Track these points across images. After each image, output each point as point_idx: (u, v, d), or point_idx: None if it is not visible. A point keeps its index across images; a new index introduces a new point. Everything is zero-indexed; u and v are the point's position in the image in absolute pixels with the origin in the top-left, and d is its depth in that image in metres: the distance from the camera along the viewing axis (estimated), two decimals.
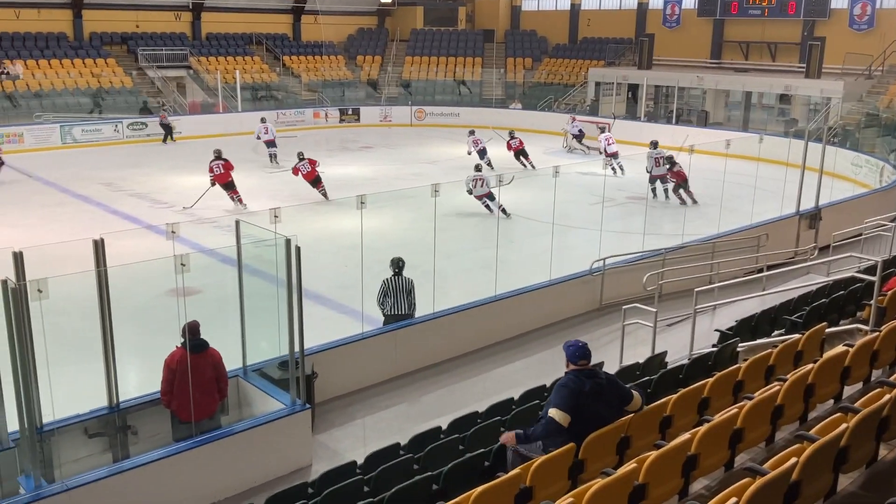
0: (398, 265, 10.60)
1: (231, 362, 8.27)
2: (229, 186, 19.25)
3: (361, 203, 10.16)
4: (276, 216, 8.52)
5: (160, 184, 22.12)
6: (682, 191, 19.49)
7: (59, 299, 6.68)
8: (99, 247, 7.30)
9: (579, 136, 28.57)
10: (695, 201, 19.46)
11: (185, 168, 24.55)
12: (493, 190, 17.99)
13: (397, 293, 10.59)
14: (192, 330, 7.65)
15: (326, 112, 34.41)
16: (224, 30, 37.30)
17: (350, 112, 34.92)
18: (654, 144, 20.28)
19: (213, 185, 19.10)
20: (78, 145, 26.50)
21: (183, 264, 7.01)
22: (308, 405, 8.23)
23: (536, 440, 5.77)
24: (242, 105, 33.06)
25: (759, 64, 33.14)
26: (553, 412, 5.54)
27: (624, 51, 37.04)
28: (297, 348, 8.07)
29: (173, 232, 8.08)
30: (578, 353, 5.70)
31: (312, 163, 20.41)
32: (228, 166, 19.33)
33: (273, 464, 7.92)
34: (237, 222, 8.38)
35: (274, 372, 8.66)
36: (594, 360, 8.81)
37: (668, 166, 19.58)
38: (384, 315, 10.74)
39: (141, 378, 9.64)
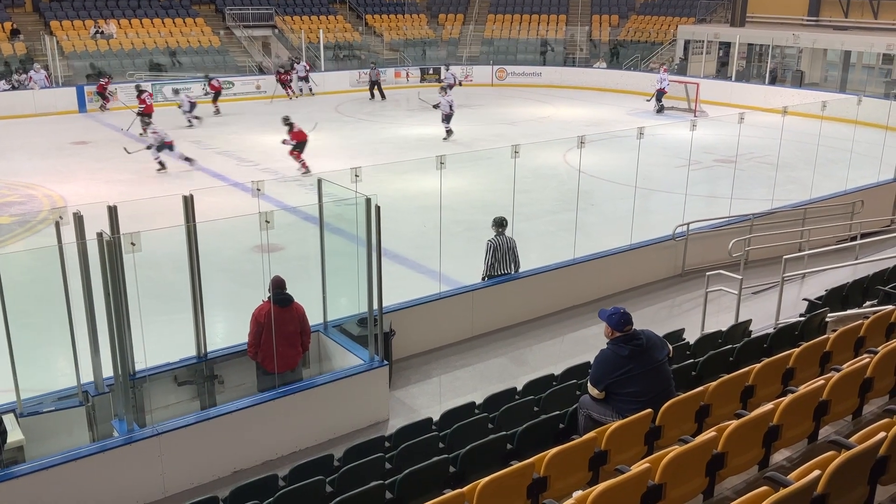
0: (502, 224, 10.49)
1: (312, 318, 8.47)
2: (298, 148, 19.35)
3: (441, 164, 10.16)
4: (356, 175, 8.60)
5: (245, 143, 22.64)
6: None
7: (151, 252, 6.94)
8: (188, 203, 7.54)
9: (659, 94, 27.73)
10: None
11: (269, 127, 25.00)
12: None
13: (505, 253, 10.59)
14: (278, 284, 7.85)
15: (408, 72, 34.38)
16: None
17: (431, 72, 34.80)
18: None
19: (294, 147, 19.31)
20: (168, 104, 27.28)
21: (267, 221, 7.16)
22: (386, 362, 8.38)
23: (583, 408, 5.94)
24: (325, 65, 33.35)
25: (859, 21, 31.37)
26: (589, 386, 5.88)
27: (716, 7, 35.59)
28: (375, 306, 8.20)
29: (258, 189, 8.27)
30: (623, 321, 5.76)
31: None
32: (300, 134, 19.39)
33: (352, 417, 8.12)
34: (319, 181, 8.50)
35: (353, 328, 8.84)
36: (675, 327, 8.75)
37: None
38: (489, 276, 10.64)
39: (228, 329, 10.00)
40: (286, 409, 7.71)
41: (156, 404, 7.70)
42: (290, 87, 30.38)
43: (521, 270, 10.87)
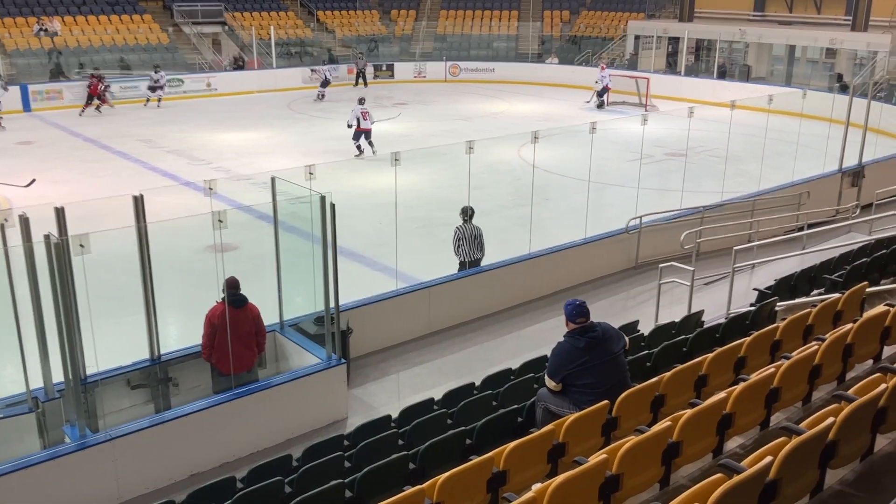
0: (468, 213, 10.83)
1: (268, 317, 8.39)
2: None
3: (396, 160, 10.14)
4: (310, 173, 8.54)
5: (197, 140, 22.30)
6: None
7: (101, 254, 6.80)
8: (139, 203, 7.40)
9: (602, 92, 27.99)
10: None
11: (221, 125, 24.70)
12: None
13: (471, 239, 10.80)
14: (232, 285, 7.76)
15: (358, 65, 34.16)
16: None
17: (384, 68, 34.67)
18: None
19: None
20: (116, 102, 26.75)
21: (220, 221, 7.07)
22: (343, 360, 8.34)
23: (541, 401, 5.99)
24: (277, 61, 33.00)
25: (803, 16, 32.11)
26: (546, 379, 5.92)
27: (665, 3, 36.11)
28: (332, 304, 8.16)
29: (211, 189, 8.16)
30: (576, 312, 5.82)
31: None
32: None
33: (310, 416, 8.07)
34: (273, 179, 8.42)
35: (310, 327, 8.78)
36: (630, 319, 8.87)
37: None
38: (459, 262, 10.94)
39: (181, 331, 9.85)
40: (243, 410, 7.63)
41: (108, 409, 7.55)
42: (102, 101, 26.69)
43: (482, 262, 11.02)
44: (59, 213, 6.75)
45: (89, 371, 7.34)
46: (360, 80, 32.77)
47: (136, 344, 7.95)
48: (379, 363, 9.61)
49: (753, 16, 33.42)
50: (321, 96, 29.72)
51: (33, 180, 10.28)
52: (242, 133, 23.52)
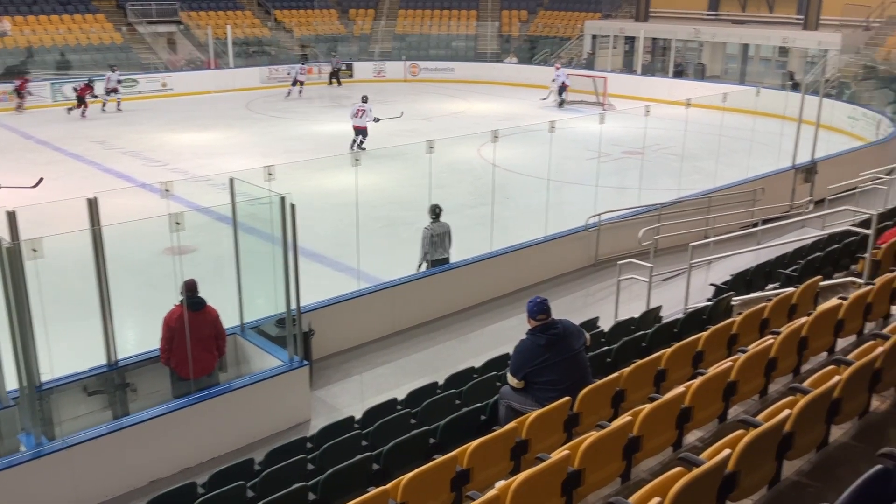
0: (434, 211, 10.77)
1: (228, 320, 8.30)
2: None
3: (356, 160, 10.11)
4: (270, 174, 8.47)
5: (153, 142, 21.95)
6: None
7: (55, 258, 6.67)
8: (93, 206, 7.26)
9: (561, 90, 28.26)
10: None
11: (178, 126, 24.36)
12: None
13: (440, 238, 10.76)
14: (189, 288, 7.66)
15: (319, 67, 33.97)
16: None
17: (343, 67, 34.51)
18: None
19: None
20: (69, 103, 26.19)
21: (178, 223, 6.98)
22: (306, 362, 8.29)
23: (504, 398, 6.03)
24: (234, 61, 32.65)
25: (756, 16, 32.74)
26: (508, 377, 5.96)
27: (621, 2, 36.53)
28: (293, 306, 8.10)
29: (167, 190, 8.04)
30: (537, 309, 5.88)
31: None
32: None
33: (272, 419, 8.00)
34: (231, 180, 8.33)
35: (271, 329, 8.71)
36: (590, 316, 8.96)
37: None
38: (428, 262, 10.84)
39: (139, 336, 9.68)
40: (203, 414, 7.53)
41: (65, 416, 7.40)
42: (85, 105, 25.62)
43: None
44: (11, 217, 6.58)
45: (44, 378, 7.19)
46: (335, 80, 32.94)
47: (92, 349, 7.80)
48: (342, 364, 9.56)
49: (708, 15, 33.96)
50: (294, 93, 29.87)
51: (41, 179, 10.03)
52: (200, 134, 23.24)
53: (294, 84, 30.26)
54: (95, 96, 25.78)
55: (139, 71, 30.26)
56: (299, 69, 30.70)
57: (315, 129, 24.24)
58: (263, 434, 7.85)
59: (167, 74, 30.26)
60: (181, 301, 7.64)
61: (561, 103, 28.17)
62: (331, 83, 32.87)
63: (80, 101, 25.23)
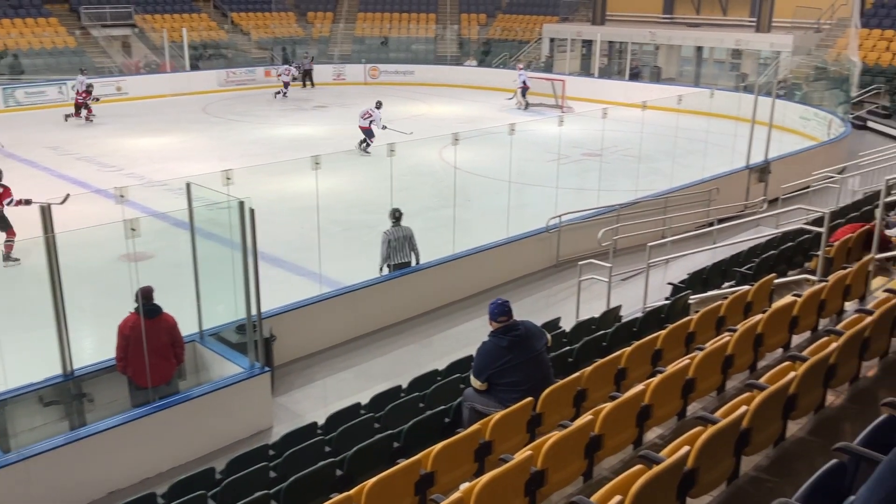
0: (394, 215, 10.67)
1: (187, 327, 8.19)
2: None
3: (316, 164, 10.05)
4: (228, 178, 8.38)
5: (108, 147, 21.56)
6: None
7: (8, 266, 6.52)
8: (46, 213, 7.12)
9: (524, 91, 28.45)
10: None
11: (133, 130, 23.97)
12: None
13: (399, 242, 10.65)
14: (144, 295, 7.54)
15: (278, 70, 33.69)
16: None
17: (313, 68, 34.24)
18: None
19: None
20: (21, 108, 25.61)
21: (133, 229, 6.87)
22: (267, 368, 8.21)
23: (467, 400, 6.04)
24: (190, 64, 32.24)
25: (710, 18, 33.28)
26: (472, 379, 5.97)
27: (578, 6, 36.86)
28: (254, 311, 8.02)
29: (122, 196, 7.92)
30: (498, 311, 5.91)
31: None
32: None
33: (233, 427, 7.91)
34: (188, 185, 8.22)
35: (231, 336, 8.61)
36: (552, 316, 9.02)
37: None
38: (389, 267, 10.77)
39: (96, 344, 9.50)
40: (162, 424, 7.42)
41: (20, 427, 7.24)
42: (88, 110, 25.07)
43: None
44: None
45: None
46: (308, 81, 33.01)
47: (47, 359, 7.64)
48: (304, 370, 9.49)
49: (663, 18, 34.44)
50: (283, 94, 30.13)
51: (67, 196, 9.97)
52: (156, 138, 22.90)
53: (286, 85, 30.41)
54: (97, 99, 25.06)
55: (93, 75, 29.69)
56: (284, 70, 30.84)
57: (274, 132, 24.04)
58: (224, 442, 7.76)
59: (122, 78, 29.78)
60: (136, 308, 7.52)
61: (526, 105, 28.33)
62: (304, 85, 32.84)
63: (84, 107, 24.43)
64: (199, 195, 8.18)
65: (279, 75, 30.96)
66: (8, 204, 11.95)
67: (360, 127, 20.68)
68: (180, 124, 24.93)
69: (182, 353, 7.95)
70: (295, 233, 13.73)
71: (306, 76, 33.17)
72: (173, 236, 10.57)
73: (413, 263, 10.93)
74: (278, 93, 30.23)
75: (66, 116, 24.59)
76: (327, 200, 12.39)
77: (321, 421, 6.85)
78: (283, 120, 26.36)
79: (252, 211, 7.64)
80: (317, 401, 8.84)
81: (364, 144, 20.57)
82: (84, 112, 24.62)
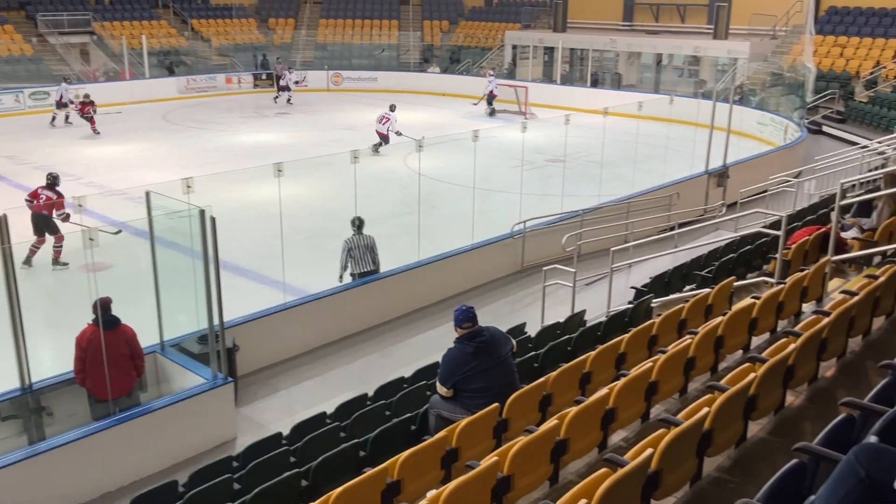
0: (355, 223, 10.66)
1: (147, 338, 8.07)
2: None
3: (279, 171, 9.97)
4: (188, 186, 8.29)
5: (66, 155, 21.18)
6: None
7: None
8: (2, 223, 6.97)
9: (490, 98, 28.59)
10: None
11: (93, 139, 23.58)
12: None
13: (361, 251, 10.59)
14: (103, 306, 7.42)
15: (239, 77, 33.46)
16: None
17: (264, 77, 34.06)
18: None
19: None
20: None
21: (91, 238, 6.75)
22: (230, 378, 8.12)
23: (434, 407, 6.05)
24: (150, 71, 31.84)
25: (668, 26, 33.78)
26: (438, 385, 5.96)
27: (539, 13, 37.17)
28: (216, 321, 7.93)
29: (80, 205, 7.79)
30: (463, 317, 5.92)
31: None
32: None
33: (196, 439, 7.80)
34: (147, 194, 8.11)
35: (193, 346, 8.50)
36: (517, 321, 9.05)
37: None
38: (351, 276, 10.72)
39: (55, 357, 9.31)
40: (123, 437, 7.29)
41: None
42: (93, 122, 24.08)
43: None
44: None
45: None
46: (278, 87, 32.87)
47: (4, 372, 7.47)
48: (268, 379, 9.40)
49: (623, 26, 34.86)
50: (287, 100, 30.22)
51: (119, 231, 10.02)
52: (115, 146, 22.55)
53: (287, 90, 30.35)
54: (96, 112, 23.88)
55: (50, 83, 29.19)
56: (284, 73, 30.91)
57: (235, 139, 23.83)
58: (187, 455, 7.65)
59: (80, 86, 29.26)
60: (94, 320, 7.40)
61: (492, 112, 28.44)
62: (278, 91, 32.58)
63: (88, 120, 23.61)
64: (158, 204, 8.07)
65: (280, 79, 30.92)
66: (59, 216, 12.11)
67: (378, 132, 21.04)
68: (140, 132, 24.59)
69: (142, 364, 7.83)
70: (258, 241, 13.61)
71: (278, 81, 33.00)
72: (133, 246, 10.42)
73: (375, 272, 10.91)
74: (286, 99, 30.29)
75: (96, 132, 23.60)
76: (290, 208, 12.30)
77: (286, 431, 6.78)
78: (244, 127, 26.15)
79: (213, 219, 7.56)
80: (281, 411, 8.76)
81: (377, 146, 20.99)
82: (90, 125, 23.62)
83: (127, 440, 7.33)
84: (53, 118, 25.15)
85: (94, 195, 15.46)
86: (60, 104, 25.10)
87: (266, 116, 28.31)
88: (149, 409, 7.58)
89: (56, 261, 12.04)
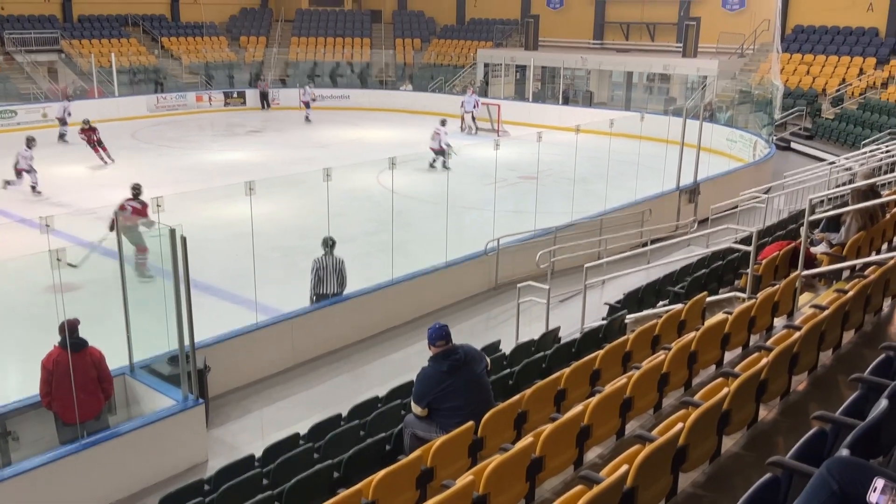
0: (327, 244, 10.61)
1: (117, 360, 7.93)
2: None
3: (250, 189, 9.90)
4: (158, 205, 8.19)
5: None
6: None
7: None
8: None
9: (471, 114, 28.71)
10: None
11: (60, 157, 23.28)
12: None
13: (328, 272, 10.55)
14: (69, 328, 7.28)
15: (210, 95, 33.29)
16: (97, 11, 35.44)
17: (235, 95, 33.92)
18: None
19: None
20: None
21: (59, 259, 6.64)
22: (201, 400, 8.00)
23: (408, 427, 6.00)
24: (119, 89, 31.58)
25: (639, 44, 34.22)
26: (412, 405, 5.91)
27: (511, 32, 37.47)
28: (186, 342, 7.81)
29: (48, 225, 7.65)
30: (437, 335, 5.90)
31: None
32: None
33: (166, 462, 7.67)
34: (116, 213, 8.01)
35: (163, 368, 8.37)
36: (492, 339, 9.03)
37: None
38: (315, 295, 10.65)
39: (21, 380, 9.12)
40: (92, 461, 7.15)
41: None
42: (102, 150, 22.82)
43: (344, 292, 10.86)
44: None
45: None
46: (264, 102, 33.81)
47: None
48: (240, 401, 9.28)
49: (593, 44, 35.25)
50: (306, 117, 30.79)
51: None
52: (83, 165, 22.28)
53: (307, 106, 31.01)
54: (100, 141, 22.71)
55: (17, 101, 28.84)
56: (303, 91, 31.48)
57: (206, 158, 23.66)
58: (158, 478, 7.52)
59: (47, 104, 28.94)
60: (60, 342, 7.26)
61: (468, 129, 28.49)
62: (263, 107, 33.45)
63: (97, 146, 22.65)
64: (128, 223, 7.96)
65: (303, 96, 31.39)
66: (144, 224, 11.99)
67: (432, 148, 21.41)
68: (110, 151, 24.31)
69: (110, 387, 7.69)
70: (229, 260, 13.49)
71: (263, 98, 33.67)
72: (101, 266, 10.26)
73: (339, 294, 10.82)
74: (305, 116, 30.88)
75: (105, 160, 22.59)
76: (263, 226, 12.19)
77: (258, 453, 6.69)
78: (215, 146, 25.99)
79: (184, 238, 7.47)
80: (254, 432, 8.64)
81: (435, 160, 21.51)
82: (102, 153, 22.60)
83: (95, 464, 7.19)
84: (62, 135, 25.30)
85: (62, 214, 15.23)
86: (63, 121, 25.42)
87: (237, 135, 28.17)
88: (117, 432, 7.44)
89: (142, 273, 11.82)
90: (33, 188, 18.94)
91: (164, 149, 25.11)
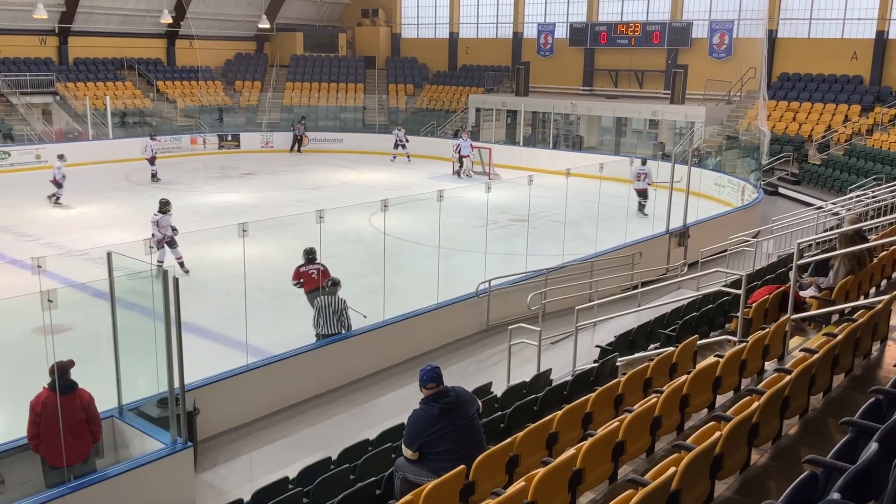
0: (328, 284, 10.75)
1: (106, 402, 7.86)
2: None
3: (244, 231, 9.93)
4: (151, 247, 8.20)
5: (25, 216, 20.89)
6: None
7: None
8: None
9: (461, 158, 28.92)
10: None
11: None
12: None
13: (332, 312, 10.60)
14: (60, 370, 7.23)
15: (204, 138, 33.50)
16: (93, 54, 35.77)
17: (230, 138, 34.15)
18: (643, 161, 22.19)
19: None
20: None
21: (50, 300, 6.62)
22: (190, 443, 7.91)
23: (399, 470, 5.95)
24: (114, 132, 31.75)
25: (627, 91, 34.74)
26: (403, 448, 5.88)
27: (502, 78, 38.01)
28: (176, 384, 7.76)
29: (39, 266, 7.64)
30: (428, 377, 5.89)
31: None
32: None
33: None
34: (109, 254, 8.01)
35: (152, 410, 8.29)
36: (483, 381, 9.01)
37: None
38: (316, 335, 10.73)
39: (8, 422, 9.03)
40: None
41: None
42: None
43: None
44: None
45: None
46: (296, 146, 34.58)
47: None
48: (230, 444, 9.19)
49: (583, 90, 35.77)
50: (393, 158, 32.01)
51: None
52: (76, 207, 22.31)
53: (300, 140, 32.92)
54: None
55: (10, 143, 28.95)
56: (401, 134, 32.44)
57: (200, 200, 23.73)
58: None
59: (41, 146, 29.06)
60: (49, 384, 7.20)
61: (458, 173, 28.63)
62: (292, 149, 34.27)
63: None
64: (120, 264, 7.97)
65: (399, 138, 32.30)
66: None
67: (636, 189, 21.39)
68: (102, 192, 24.40)
69: (99, 430, 7.60)
70: (221, 301, 13.46)
71: (296, 140, 34.33)
72: (92, 307, 10.23)
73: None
74: (393, 157, 32.00)
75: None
76: (255, 268, 12.21)
77: (247, 497, 6.61)
78: (209, 188, 26.09)
79: (176, 280, 7.47)
80: (243, 476, 8.54)
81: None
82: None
83: None
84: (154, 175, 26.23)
85: (54, 256, 15.21)
86: (151, 161, 26.38)
87: (231, 177, 28.30)
88: (105, 475, 7.34)
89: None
90: (56, 199, 21.81)
91: (157, 191, 25.15)
